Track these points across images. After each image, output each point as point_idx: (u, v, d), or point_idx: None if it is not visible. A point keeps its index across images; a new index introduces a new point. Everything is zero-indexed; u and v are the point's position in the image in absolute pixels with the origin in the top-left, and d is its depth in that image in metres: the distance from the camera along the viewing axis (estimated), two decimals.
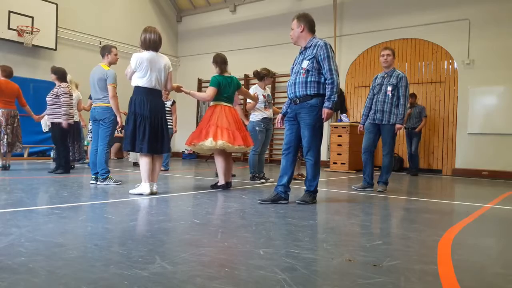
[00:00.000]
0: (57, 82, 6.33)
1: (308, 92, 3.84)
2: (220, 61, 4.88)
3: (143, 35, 4.22)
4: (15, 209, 3.14)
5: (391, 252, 2.24)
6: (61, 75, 6.35)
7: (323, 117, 3.81)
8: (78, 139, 7.07)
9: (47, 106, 6.35)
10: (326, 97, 3.79)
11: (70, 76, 7.05)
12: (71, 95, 6.35)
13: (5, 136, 6.37)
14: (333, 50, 3.88)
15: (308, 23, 3.95)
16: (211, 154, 5.11)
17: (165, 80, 4.34)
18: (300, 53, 4.02)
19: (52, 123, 6.33)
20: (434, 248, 2.38)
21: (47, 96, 6.39)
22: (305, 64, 3.86)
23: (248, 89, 6.39)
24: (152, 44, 4.22)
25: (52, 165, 7.73)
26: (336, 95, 3.79)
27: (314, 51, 3.84)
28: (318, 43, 3.85)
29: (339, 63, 10.38)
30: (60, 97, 6.20)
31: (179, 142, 12.66)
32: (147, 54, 4.20)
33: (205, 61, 12.25)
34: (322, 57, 3.80)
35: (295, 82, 3.92)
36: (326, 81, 3.80)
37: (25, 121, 7.59)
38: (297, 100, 3.91)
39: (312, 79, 3.83)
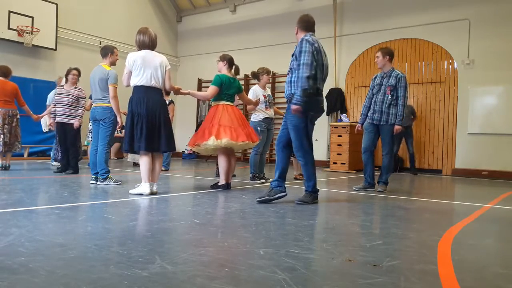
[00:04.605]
0: (72, 84, 6.39)
1: (293, 92, 3.83)
2: (229, 61, 4.97)
3: (136, 36, 4.30)
4: (15, 209, 3.14)
5: (391, 252, 2.24)
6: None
7: (291, 113, 3.80)
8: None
9: (60, 107, 6.30)
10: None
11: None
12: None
13: (1, 135, 6.37)
14: (311, 44, 3.73)
15: (300, 23, 3.96)
16: (215, 154, 5.07)
17: (162, 78, 4.30)
18: None
19: (63, 124, 6.29)
20: (434, 248, 2.38)
21: (62, 96, 6.32)
22: (290, 63, 3.89)
23: (249, 89, 6.39)
24: (142, 44, 4.27)
25: (52, 165, 7.74)
26: (302, 89, 3.68)
27: (296, 49, 3.85)
28: (300, 39, 3.85)
29: (339, 63, 10.39)
30: (80, 100, 6.37)
31: (179, 142, 12.64)
32: (140, 53, 4.23)
33: (205, 61, 12.28)
34: (298, 53, 3.78)
35: (286, 82, 3.96)
36: None
37: (25, 121, 7.59)
38: (287, 100, 3.94)
39: (294, 79, 3.82)
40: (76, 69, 6.47)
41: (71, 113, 6.30)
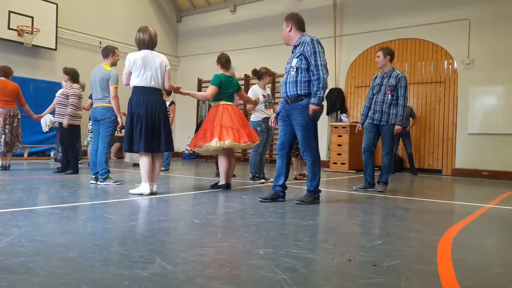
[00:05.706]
0: (68, 83, 6.39)
1: (299, 92, 3.83)
2: (224, 60, 4.94)
3: (136, 35, 4.26)
4: (15, 209, 3.14)
5: (391, 252, 2.24)
6: (74, 75, 6.43)
7: (309, 113, 3.78)
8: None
9: (57, 107, 6.44)
10: (313, 93, 3.77)
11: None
12: (80, 97, 6.38)
13: (3, 136, 6.37)
14: (321, 45, 3.83)
15: (295, 21, 3.96)
16: (215, 154, 5.07)
17: (162, 78, 4.28)
18: (291, 52, 4.02)
19: (60, 123, 6.32)
20: (434, 248, 2.38)
21: (57, 95, 6.44)
22: (294, 62, 3.87)
23: (248, 89, 6.38)
24: (142, 43, 4.24)
25: (53, 165, 7.74)
26: (322, 91, 3.74)
27: (302, 48, 3.83)
28: (305, 39, 3.84)
29: (339, 63, 10.39)
30: (69, 98, 6.28)
31: (179, 142, 12.66)
32: (140, 53, 4.20)
33: (205, 61, 12.28)
34: (309, 53, 3.77)
35: (286, 81, 3.93)
36: (313, 77, 3.77)
37: (25, 121, 7.59)
38: (289, 100, 3.92)
39: (302, 79, 3.82)
40: (63, 69, 6.49)
41: (62, 112, 6.31)
